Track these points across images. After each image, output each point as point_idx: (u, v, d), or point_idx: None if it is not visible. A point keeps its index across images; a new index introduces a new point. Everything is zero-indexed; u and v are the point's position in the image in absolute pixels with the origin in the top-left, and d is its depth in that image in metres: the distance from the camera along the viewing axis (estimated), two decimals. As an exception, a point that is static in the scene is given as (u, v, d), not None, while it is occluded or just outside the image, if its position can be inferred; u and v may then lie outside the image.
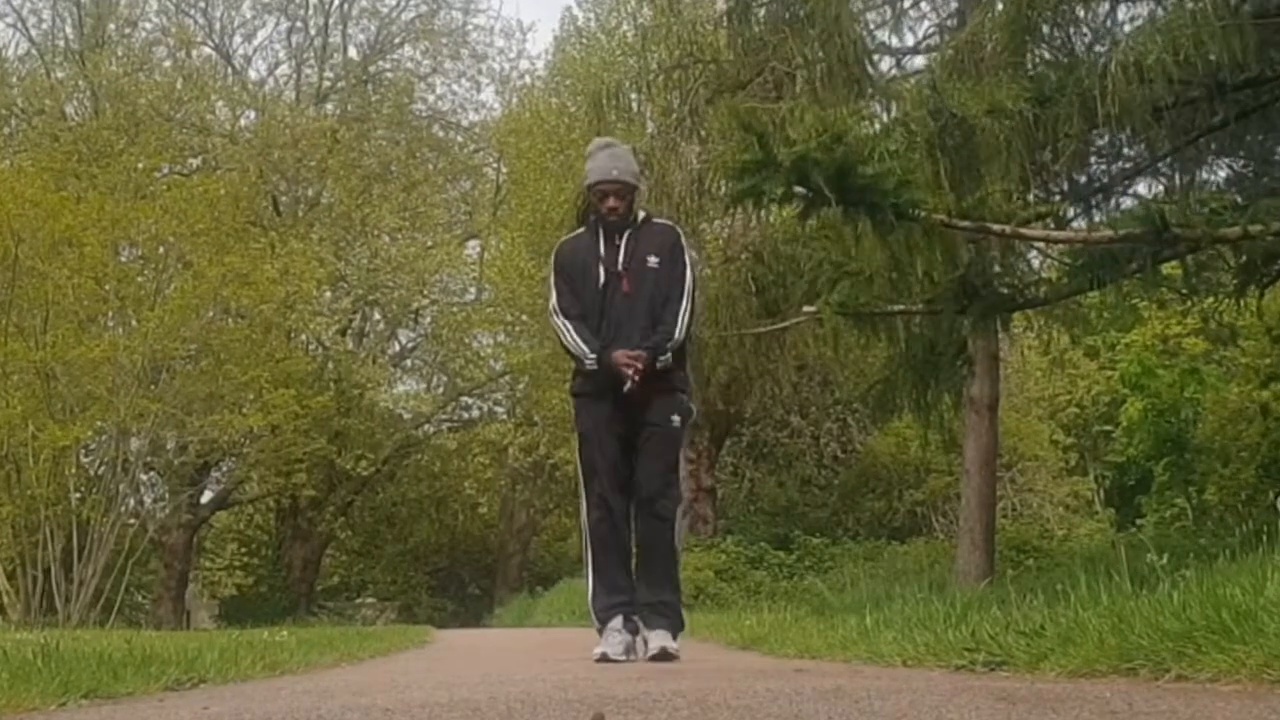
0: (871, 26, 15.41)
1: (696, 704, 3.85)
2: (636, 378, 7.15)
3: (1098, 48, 10.83)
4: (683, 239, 7.58)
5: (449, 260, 35.92)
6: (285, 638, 10.85)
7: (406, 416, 37.94)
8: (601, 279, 7.33)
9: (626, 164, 7.51)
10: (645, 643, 7.18)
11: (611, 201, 7.35)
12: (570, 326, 7.39)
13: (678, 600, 7.40)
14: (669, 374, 7.32)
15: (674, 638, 7.15)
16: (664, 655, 6.92)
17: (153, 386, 26.62)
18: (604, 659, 7.01)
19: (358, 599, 42.67)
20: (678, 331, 7.27)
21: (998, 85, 9.99)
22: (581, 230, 7.69)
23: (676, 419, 7.33)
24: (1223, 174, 12.28)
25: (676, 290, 7.33)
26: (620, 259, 7.34)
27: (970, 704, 3.72)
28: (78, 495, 25.96)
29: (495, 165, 39.94)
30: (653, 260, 7.34)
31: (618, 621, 7.24)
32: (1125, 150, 12.16)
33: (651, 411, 7.29)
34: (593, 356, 7.27)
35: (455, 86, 40.69)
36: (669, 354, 7.26)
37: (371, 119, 38.36)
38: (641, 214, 7.54)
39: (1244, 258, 10.50)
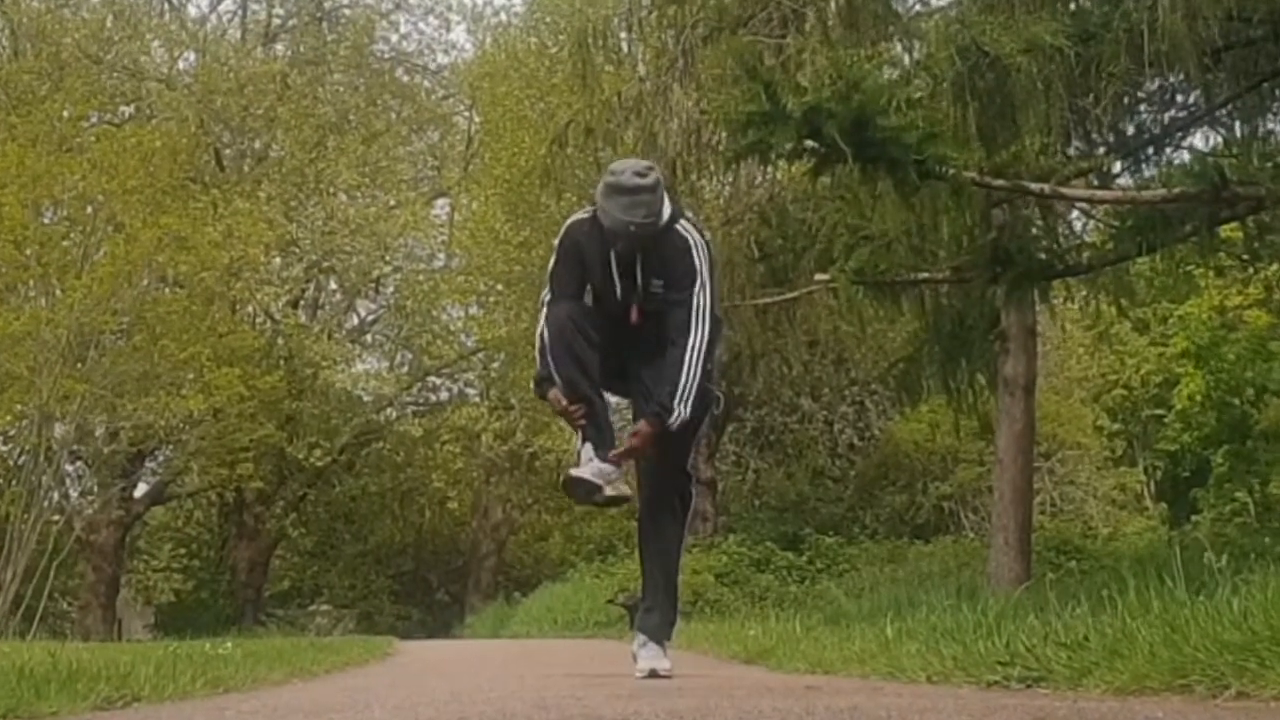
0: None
1: (694, 726, 3.85)
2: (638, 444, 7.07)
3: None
4: (696, 257, 7.05)
5: (414, 222, 35.85)
6: (229, 650, 10.85)
7: (366, 399, 37.86)
8: (617, 298, 7.10)
9: (644, 212, 6.94)
10: (634, 657, 7.20)
11: (621, 246, 6.99)
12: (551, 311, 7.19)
13: (675, 609, 7.46)
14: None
15: (665, 652, 7.20)
16: (654, 676, 6.94)
17: (79, 365, 26.57)
18: (571, 481, 7.18)
19: (311, 606, 42.53)
20: (679, 400, 6.92)
21: (1035, 20, 9.97)
22: (594, 217, 7.19)
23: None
24: (1289, 124, 12.28)
25: (684, 323, 6.96)
26: (630, 286, 7.07)
27: (1004, 725, 3.72)
28: (-6, 488, 25.95)
29: (467, 114, 39.89)
30: (656, 284, 7.03)
31: (588, 450, 7.14)
32: (1179, 97, 12.15)
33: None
34: (544, 375, 7.13)
35: (421, 25, 40.82)
36: (676, 416, 6.93)
37: (327, 61, 38.23)
38: (666, 215, 7.08)
39: (1314, 219, 10.52)
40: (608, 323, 7.10)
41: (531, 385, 7.48)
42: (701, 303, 6.98)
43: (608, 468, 7.10)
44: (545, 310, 7.20)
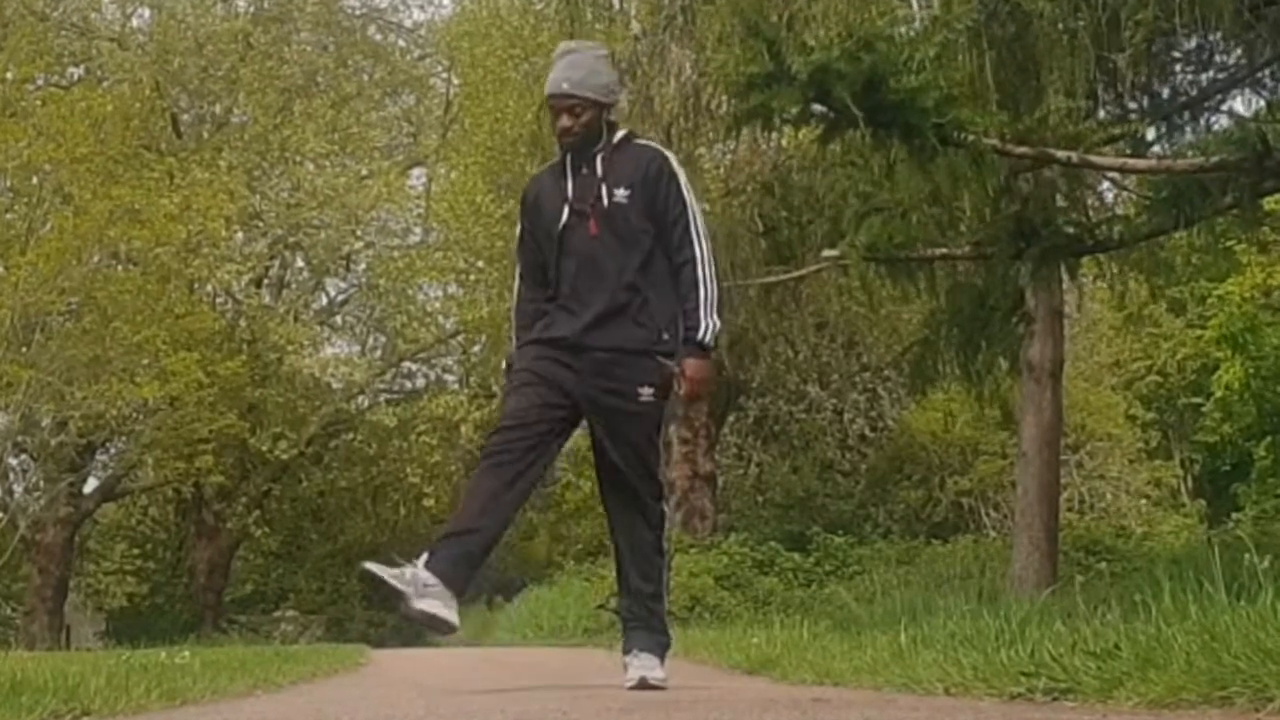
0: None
1: (691, 741, 3.85)
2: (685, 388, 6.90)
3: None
4: (671, 162, 7.14)
5: (388, 193, 35.72)
6: (187, 659, 10.84)
7: (336, 386, 37.79)
8: (563, 219, 6.98)
9: (585, 73, 7.09)
10: (625, 666, 7.10)
11: (564, 120, 7.01)
12: (516, 294, 7.35)
13: (664, 612, 7.26)
14: (637, 324, 6.93)
15: (661, 662, 7.05)
16: (645, 686, 6.80)
17: (24, 349, 26.55)
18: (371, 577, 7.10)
19: (276, 611, 42.64)
20: (704, 312, 6.85)
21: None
22: (556, 161, 7.37)
23: (648, 391, 6.91)
24: (1340, 87, 12.27)
25: (683, 240, 6.95)
26: (587, 192, 7.00)
27: (1028, 741, 3.72)
28: (-69, 484, 25.95)
29: (445, 76, 39.88)
30: (621, 194, 6.94)
31: (426, 574, 6.93)
32: (1218, 57, 12.14)
33: (611, 381, 6.94)
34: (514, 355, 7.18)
35: (396, -21, 40.42)
36: (706, 328, 6.85)
37: (293, 19, 38.10)
38: (620, 133, 7.19)
39: (1365, 191, 10.52)
40: (554, 269, 7.08)
41: (504, 367, 7.44)
42: (695, 226, 6.97)
43: (426, 576, 6.89)
44: (518, 285, 7.33)
